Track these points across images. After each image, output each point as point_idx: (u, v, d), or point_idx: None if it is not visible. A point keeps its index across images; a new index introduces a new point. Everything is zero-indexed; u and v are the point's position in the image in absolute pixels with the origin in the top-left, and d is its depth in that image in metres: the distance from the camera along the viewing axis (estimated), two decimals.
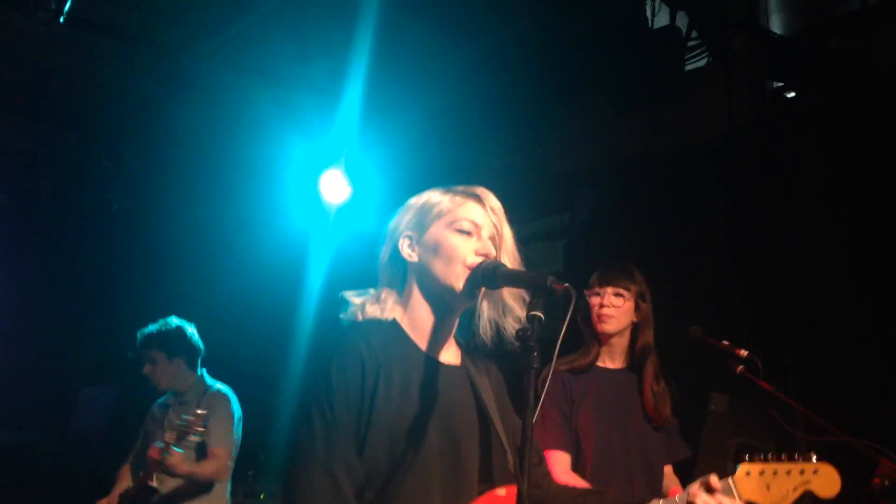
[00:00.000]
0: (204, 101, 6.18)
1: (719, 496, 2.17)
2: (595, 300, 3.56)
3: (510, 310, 2.25)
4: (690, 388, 3.75)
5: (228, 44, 5.62)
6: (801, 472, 2.25)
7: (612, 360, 3.60)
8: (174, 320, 4.94)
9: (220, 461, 4.60)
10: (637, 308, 3.57)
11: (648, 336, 3.60)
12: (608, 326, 3.54)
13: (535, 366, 1.77)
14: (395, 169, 6.17)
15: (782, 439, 4.21)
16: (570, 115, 6.02)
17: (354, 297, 2.28)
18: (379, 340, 2.15)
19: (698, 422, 4.30)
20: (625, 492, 3.32)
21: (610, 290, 3.54)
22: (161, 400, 4.95)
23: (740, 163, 5.01)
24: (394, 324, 2.24)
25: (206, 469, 4.59)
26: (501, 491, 2.14)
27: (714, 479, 2.19)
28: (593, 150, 5.95)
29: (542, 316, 1.85)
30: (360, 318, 2.24)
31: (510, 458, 2.18)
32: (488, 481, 2.18)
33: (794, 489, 2.24)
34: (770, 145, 4.90)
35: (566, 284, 1.90)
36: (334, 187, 6.33)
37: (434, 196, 2.30)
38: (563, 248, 6.13)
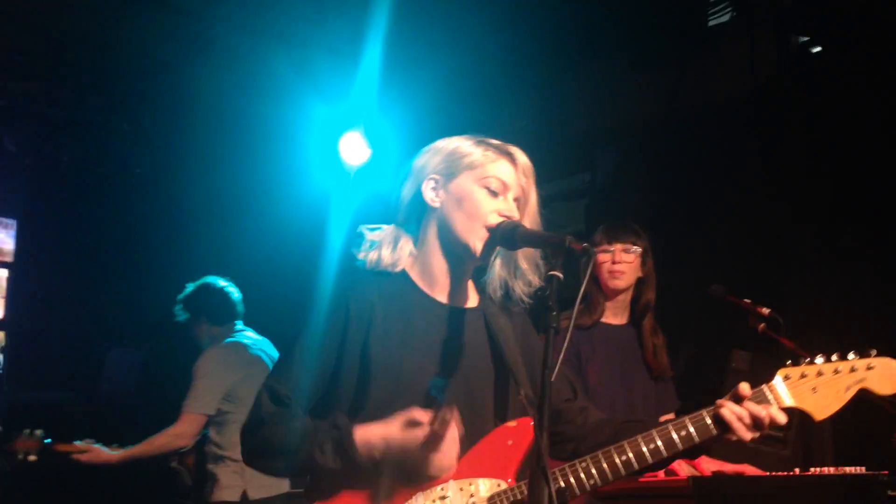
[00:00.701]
0: (223, 65, 6.17)
1: (749, 404, 2.02)
2: (605, 257, 3.55)
3: (522, 273, 2.26)
4: (711, 346, 3.75)
5: (246, 6, 5.59)
6: (853, 369, 2.04)
7: (615, 316, 3.61)
8: (200, 282, 4.97)
9: (182, 426, 4.57)
10: (643, 264, 3.58)
11: (651, 291, 3.61)
12: (620, 283, 3.55)
13: (555, 325, 1.77)
14: (415, 130, 6.14)
15: None
16: (591, 74, 5.95)
17: (372, 235, 2.29)
18: (382, 289, 2.18)
19: (719, 380, 4.29)
20: None
21: (619, 246, 3.54)
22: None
23: (765, 120, 4.94)
24: (402, 274, 2.25)
25: (157, 441, 4.60)
26: (513, 423, 2.15)
27: (744, 387, 2.04)
28: (615, 108, 5.89)
29: (561, 276, 1.85)
30: (368, 265, 2.25)
31: (521, 391, 2.17)
32: (502, 419, 2.19)
33: (848, 389, 2.03)
34: (795, 102, 4.82)
35: (585, 244, 1.90)
36: (354, 149, 6.32)
37: (466, 145, 2.28)
38: (584, 208, 6.10)
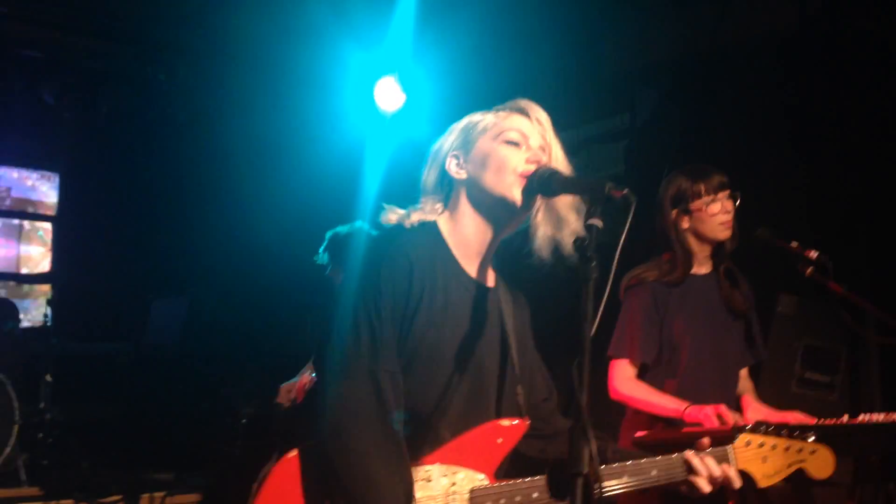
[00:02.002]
0: (257, 12, 6.12)
1: (709, 461, 2.16)
2: (714, 207, 3.36)
3: (566, 222, 2.18)
4: (758, 290, 3.66)
5: None
6: (799, 450, 2.30)
7: (702, 265, 3.49)
8: (353, 227, 4.67)
9: None
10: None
11: (735, 237, 3.47)
12: (729, 233, 3.39)
13: (594, 276, 1.72)
14: (450, 75, 6.06)
15: (853, 341, 4.13)
16: (629, 10, 5.79)
17: (398, 210, 2.25)
18: (425, 251, 2.13)
19: (766, 324, 4.22)
20: (720, 395, 3.27)
21: (724, 194, 3.38)
22: None
23: (812, 54, 4.76)
24: (436, 234, 2.19)
25: None
26: (505, 422, 2.14)
27: (704, 441, 2.21)
28: (654, 45, 5.73)
29: (601, 224, 1.79)
30: (406, 224, 2.21)
31: (518, 389, 2.19)
32: (499, 412, 2.18)
33: (789, 466, 2.29)
34: (844, 34, 4.63)
35: (626, 190, 1.84)
36: (389, 95, 6.27)
37: (476, 115, 2.26)
38: (623, 150, 5.99)
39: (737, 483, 2.19)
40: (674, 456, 2.17)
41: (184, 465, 6.37)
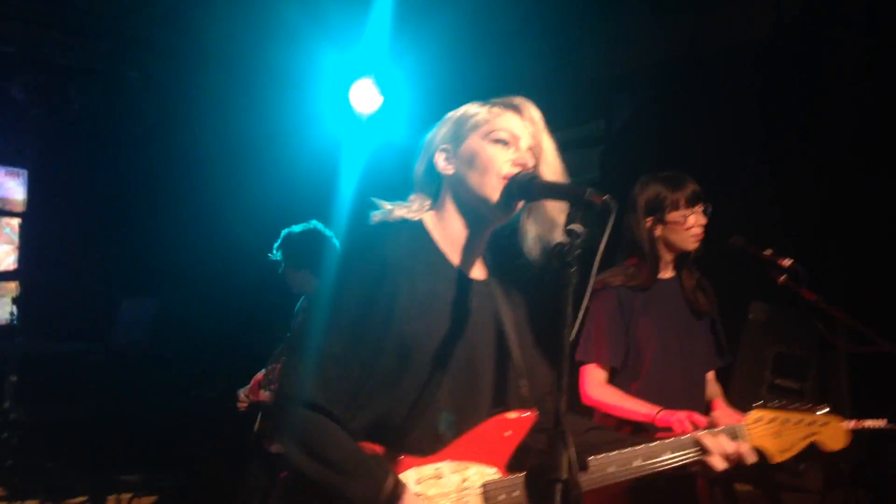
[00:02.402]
0: (232, 11, 6.07)
1: (721, 438, 2.18)
2: (691, 220, 3.38)
3: (557, 224, 2.16)
4: (730, 298, 3.68)
5: None
6: (811, 423, 2.32)
7: (666, 270, 3.51)
8: (308, 226, 4.73)
9: None
10: None
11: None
12: (698, 245, 3.42)
13: (573, 282, 1.71)
14: (427, 77, 6.05)
15: (823, 349, 4.17)
16: (606, 17, 5.81)
17: (386, 204, 2.24)
18: (406, 246, 2.11)
19: (737, 331, 4.25)
20: (685, 404, 3.28)
21: (699, 207, 3.40)
22: (298, 303, 4.92)
23: (787, 63, 4.80)
24: (421, 230, 2.19)
25: None
26: (512, 414, 2.13)
27: (718, 415, 2.32)
28: (631, 53, 5.75)
29: (581, 230, 1.78)
30: (388, 218, 2.20)
31: (523, 382, 2.17)
32: (501, 404, 2.16)
33: (803, 439, 2.30)
34: (819, 43, 4.68)
35: (606, 196, 1.83)
36: (365, 97, 6.24)
37: (471, 108, 2.22)
38: (598, 156, 6.01)
39: (751, 458, 2.19)
40: (685, 437, 2.19)
41: (151, 465, 6.30)
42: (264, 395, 4.56)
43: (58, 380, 7.04)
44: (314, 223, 4.76)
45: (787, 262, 3.39)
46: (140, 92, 7.13)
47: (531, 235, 2.20)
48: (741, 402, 3.71)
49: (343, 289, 2.03)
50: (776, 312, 4.17)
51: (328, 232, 4.76)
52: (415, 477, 1.98)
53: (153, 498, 5.90)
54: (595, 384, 3.33)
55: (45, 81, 7.19)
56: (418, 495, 1.96)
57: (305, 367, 1.98)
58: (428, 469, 2.00)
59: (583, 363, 3.34)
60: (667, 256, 3.45)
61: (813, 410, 2.33)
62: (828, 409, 2.33)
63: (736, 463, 2.18)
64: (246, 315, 6.92)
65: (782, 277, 3.41)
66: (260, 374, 4.69)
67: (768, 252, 3.46)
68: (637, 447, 2.14)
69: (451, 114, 2.26)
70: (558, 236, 2.11)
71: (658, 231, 3.39)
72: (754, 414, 2.28)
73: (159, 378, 6.80)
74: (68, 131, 7.62)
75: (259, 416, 4.73)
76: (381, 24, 5.67)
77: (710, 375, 3.60)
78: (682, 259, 3.49)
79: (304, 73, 6.48)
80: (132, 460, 6.36)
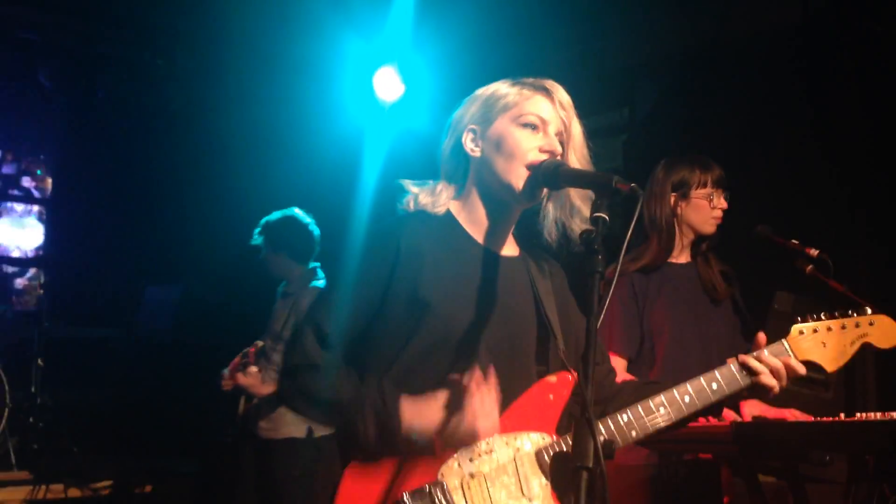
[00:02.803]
0: None
1: (766, 356, 2.15)
2: (716, 201, 3.40)
3: (577, 210, 2.17)
4: (755, 287, 3.65)
5: None
6: (857, 325, 2.23)
7: (681, 255, 3.50)
8: (287, 212, 4.90)
9: None
10: None
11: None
12: (714, 229, 3.42)
13: (600, 269, 1.71)
14: (449, 65, 6.03)
15: None
16: (631, 5, 5.76)
17: (412, 186, 2.25)
18: (429, 231, 2.12)
19: (761, 321, 4.22)
20: None
21: (722, 191, 3.41)
22: (280, 287, 4.97)
23: (814, 52, 4.74)
24: (447, 216, 2.20)
25: None
26: (552, 378, 2.13)
27: (761, 337, 2.17)
28: (656, 40, 5.70)
29: (607, 217, 1.78)
30: (411, 208, 2.21)
31: (561, 346, 2.16)
32: (543, 372, 2.16)
33: (852, 343, 2.22)
34: (848, 30, 4.62)
35: (633, 185, 1.83)
36: (388, 85, 6.24)
37: (502, 88, 2.20)
38: (622, 145, 5.97)
39: (801, 370, 2.16)
40: (728, 364, 2.16)
41: (175, 451, 6.35)
42: (243, 378, 4.59)
43: (83, 365, 7.12)
44: (293, 210, 4.89)
45: (813, 252, 3.36)
46: (165, 80, 7.18)
47: (551, 218, 2.20)
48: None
49: (356, 282, 2.07)
50: (801, 302, 4.13)
51: (306, 219, 4.88)
52: (468, 455, 1.98)
53: (177, 483, 5.95)
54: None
55: (70, 69, 7.25)
56: (473, 475, 1.96)
57: (322, 344, 2.03)
58: (480, 445, 1.99)
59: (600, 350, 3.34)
60: (684, 238, 3.45)
61: (856, 312, 2.25)
62: (871, 309, 2.24)
63: (790, 377, 2.15)
64: (269, 302, 6.95)
65: (809, 267, 3.37)
66: (238, 358, 4.72)
67: (795, 242, 3.43)
68: (683, 384, 2.13)
69: (480, 91, 2.25)
70: (578, 222, 2.12)
71: (681, 208, 3.40)
72: (796, 328, 2.21)
73: (183, 364, 6.85)
74: (94, 119, 7.68)
75: (242, 399, 4.77)
76: (405, 12, 5.67)
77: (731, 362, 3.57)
78: (698, 244, 3.48)
79: (327, 61, 6.48)
80: (156, 446, 6.43)
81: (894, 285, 4.16)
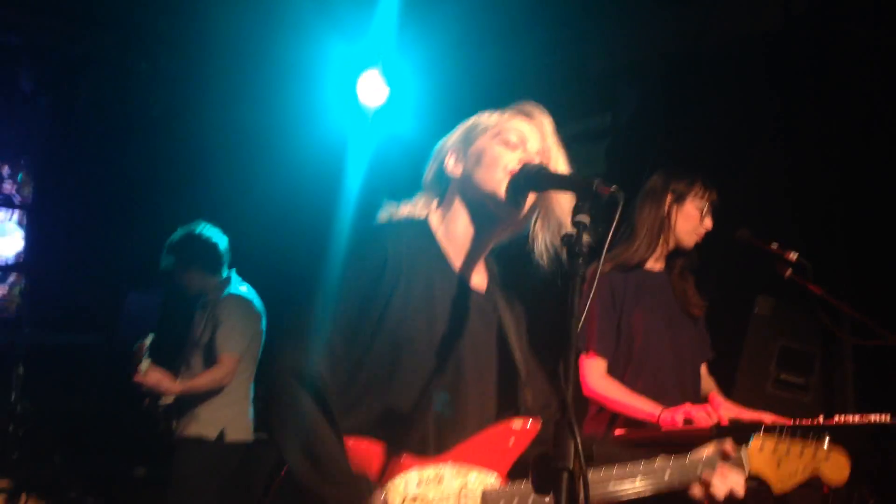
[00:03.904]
0: (239, 1, 6.07)
1: (725, 468, 2.14)
2: (707, 220, 3.46)
3: (564, 225, 2.17)
4: (735, 291, 3.69)
5: None
6: (814, 455, 2.26)
7: (657, 262, 3.54)
8: (189, 228, 5.02)
9: (224, 367, 4.71)
10: None
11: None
12: (693, 244, 3.49)
13: (581, 272, 1.71)
14: (434, 70, 6.04)
15: (828, 343, 4.16)
16: (613, 9, 5.78)
17: (393, 205, 2.27)
18: (409, 245, 2.12)
19: (742, 325, 4.24)
20: (676, 393, 3.31)
21: (711, 214, 3.47)
22: (200, 302, 5.07)
23: (796, 55, 4.78)
24: (426, 229, 2.20)
25: (203, 380, 4.74)
26: (517, 423, 2.12)
27: (730, 446, 2.17)
28: (638, 45, 5.73)
29: (588, 221, 1.78)
30: (393, 217, 2.23)
31: (527, 392, 2.18)
32: (511, 410, 2.17)
33: (804, 469, 2.25)
34: (829, 35, 4.66)
35: (614, 187, 1.83)
36: (372, 89, 6.23)
37: (483, 115, 2.27)
38: (604, 150, 5.99)
39: (741, 493, 2.14)
40: (688, 460, 2.14)
41: (156, 458, 6.30)
42: (144, 378, 4.67)
43: (63, 372, 7.06)
44: (195, 225, 5.02)
45: (792, 256, 3.41)
46: (148, 83, 7.14)
47: (541, 241, 2.22)
48: (746, 396, 3.73)
49: (344, 285, 2.04)
50: (782, 306, 4.17)
51: (209, 231, 5.00)
52: (416, 479, 1.98)
53: (159, 490, 5.90)
54: (597, 376, 3.35)
55: (52, 72, 7.20)
56: (415, 498, 1.96)
57: (306, 355, 1.97)
58: (429, 471, 2.00)
59: (579, 352, 3.37)
60: (662, 243, 3.49)
61: (818, 440, 2.28)
62: (828, 440, 2.29)
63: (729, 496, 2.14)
64: None
65: (788, 271, 3.42)
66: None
67: (774, 246, 3.47)
68: (637, 464, 2.09)
69: (463, 123, 2.29)
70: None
71: (673, 211, 3.45)
72: (757, 442, 2.24)
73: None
74: (76, 122, 7.62)
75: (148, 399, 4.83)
76: (389, 16, 5.66)
77: (703, 369, 3.62)
78: (674, 257, 3.53)
79: (311, 65, 6.47)
80: (138, 453, 6.37)
81: (873, 288, 4.20)
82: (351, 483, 1.88)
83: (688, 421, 3.04)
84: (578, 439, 1.51)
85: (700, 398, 3.48)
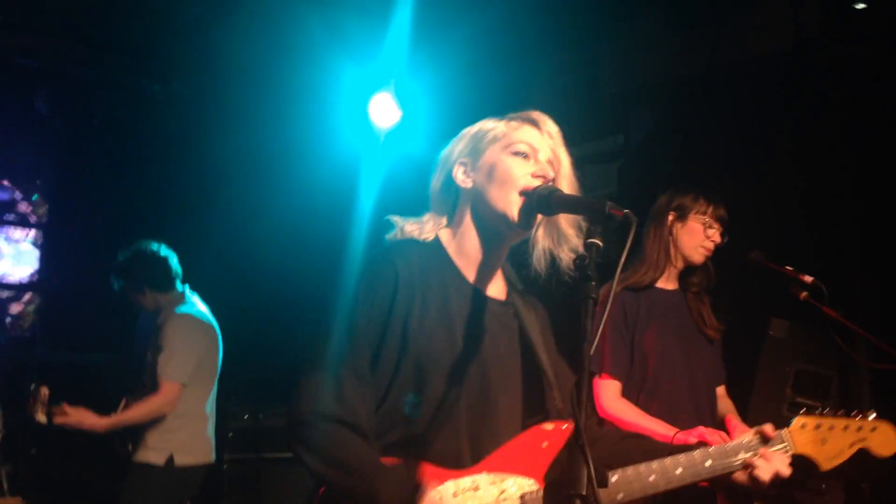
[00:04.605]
0: (253, 25, 6.11)
1: (767, 451, 2.14)
2: (710, 233, 3.46)
3: (566, 238, 2.19)
4: (750, 313, 3.66)
5: None
6: (859, 428, 2.23)
7: (669, 281, 3.53)
8: (135, 248, 4.90)
9: (163, 396, 4.53)
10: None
11: (710, 262, 3.53)
12: (702, 260, 3.48)
13: (594, 295, 1.71)
14: (445, 91, 6.06)
15: (844, 366, 4.13)
16: (626, 32, 5.80)
17: (399, 221, 2.26)
18: (419, 260, 2.11)
19: (756, 348, 4.21)
20: (691, 415, 3.29)
21: (720, 227, 3.47)
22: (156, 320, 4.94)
23: (807, 78, 4.78)
24: (437, 245, 2.20)
25: (137, 411, 4.54)
26: (549, 426, 2.11)
27: (769, 428, 2.16)
28: (650, 67, 5.74)
29: (601, 243, 1.78)
30: (398, 236, 2.22)
31: (556, 394, 2.16)
32: (540, 414, 2.15)
33: (851, 445, 2.22)
34: (839, 60, 4.66)
35: (626, 210, 1.83)
36: (384, 111, 6.26)
37: (488, 123, 2.24)
38: (617, 171, 5.99)
39: (785, 472, 2.13)
40: (729, 445, 2.15)
41: None
42: (64, 419, 4.57)
43: (77, 391, 7.06)
44: (139, 244, 4.92)
45: (808, 279, 3.38)
46: (162, 106, 7.19)
47: (540, 247, 2.22)
48: (761, 420, 3.68)
49: (358, 307, 2.04)
50: (797, 329, 4.13)
51: (154, 247, 4.90)
52: (452, 489, 1.97)
53: None
54: (611, 397, 3.33)
55: (67, 95, 7.27)
56: None
57: (325, 383, 1.97)
58: (465, 481, 1.98)
59: (592, 374, 3.35)
60: (671, 262, 3.48)
61: (860, 416, 2.26)
62: (875, 415, 2.25)
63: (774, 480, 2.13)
64: (266, 330, 6.93)
65: (803, 294, 3.39)
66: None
67: (789, 268, 3.45)
68: (678, 456, 2.11)
69: (467, 129, 2.27)
70: (567, 251, 2.13)
71: (676, 229, 3.45)
72: (798, 420, 2.22)
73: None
74: (90, 144, 7.68)
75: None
76: (400, 38, 5.69)
77: (721, 391, 3.59)
78: (687, 275, 3.51)
79: (323, 87, 6.50)
80: (122, 479, 6.36)
81: (888, 312, 4.17)
82: (383, 473, 1.90)
83: (701, 443, 3.01)
84: (591, 466, 1.49)
85: (716, 420, 3.45)
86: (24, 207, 8.40)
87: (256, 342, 6.83)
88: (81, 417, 4.56)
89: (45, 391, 4.62)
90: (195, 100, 7.25)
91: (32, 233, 8.46)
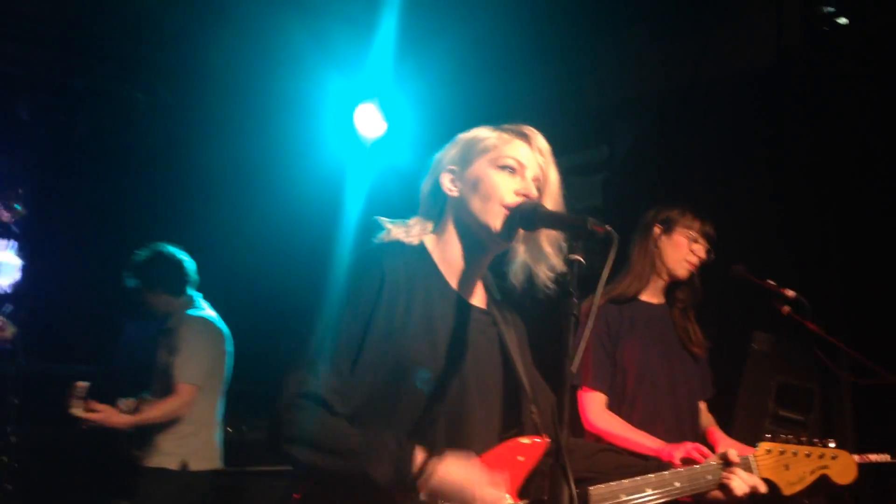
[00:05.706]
0: (238, 34, 6.10)
1: (738, 470, 2.22)
2: (695, 248, 3.47)
3: (546, 256, 2.20)
4: (732, 327, 3.67)
5: None
6: (821, 456, 2.33)
7: (654, 295, 3.54)
8: (154, 250, 4.98)
9: (181, 398, 4.59)
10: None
11: (696, 278, 3.54)
12: (687, 275, 3.49)
13: (575, 312, 1.71)
14: (431, 102, 6.07)
15: (826, 380, 4.14)
16: (610, 45, 5.83)
17: (387, 223, 2.27)
18: (404, 263, 2.12)
19: (739, 361, 4.22)
20: (672, 427, 3.29)
21: (705, 243, 3.48)
22: (166, 322, 4.99)
23: (788, 93, 4.82)
24: (422, 250, 2.21)
25: (157, 411, 4.62)
26: (525, 439, 2.11)
27: (733, 453, 2.24)
28: (634, 80, 5.77)
29: (582, 260, 1.79)
30: (385, 239, 2.23)
31: (533, 408, 2.17)
32: (515, 427, 2.16)
33: (812, 472, 2.31)
34: (820, 74, 4.69)
35: (607, 227, 1.85)
36: (369, 121, 6.26)
37: (482, 132, 2.25)
38: (601, 183, 6.00)
39: (763, 489, 2.23)
40: (699, 467, 2.21)
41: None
42: (87, 414, 4.70)
43: (60, 402, 7.00)
44: (159, 245, 5.00)
45: (790, 293, 3.40)
46: (146, 114, 7.16)
47: (518, 261, 2.23)
48: (744, 432, 3.70)
49: (344, 307, 2.04)
50: (779, 342, 4.15)
51: (173, 250, 4.97)
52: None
53: None
54: (598, 410, 3.33)
55: (50, 103, 7.22)
56: None
57: (310, 374, 1.97)
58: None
59: (575, 388, 3.34)
60: (655, 275, 3.49)
61: (822, 444, 2.34)
62: (835, 444, 2.34)
63: (749, 494, 2.20)
64: (251, 340, 6.90)
65: (786, 308, 3.41)
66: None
67: (771, 282, 3.47)
68: (649, 476, 2.13)
69: (461, 135, 2.29)
70: (544, 268, 2.14)
71: (661, 242, 3.46)
72: (764, 445, 2.29)
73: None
74: (73, 153, 7.63)
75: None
76: (385, 49, 5.70)
77: (703, 405, 3.60)
78: (672, 289, 3.52)
79: (308, 98, 6.50)
80: (136, 484, 6.31)
81: (870, 326, 4.19)
82: (376, 452, 1.89)
83: (686, 460, 3.02)
84: (573, 486, 1.49)
85: (698, 433, 3.46)
86: (5, 216, 8.34)
87: (240, 353, 6.80)
88: (109, 415, 4.68)
89: (81, 385, 4.71)
90: (180, 109, 7.22)
91: (14, 242, 8.40)
